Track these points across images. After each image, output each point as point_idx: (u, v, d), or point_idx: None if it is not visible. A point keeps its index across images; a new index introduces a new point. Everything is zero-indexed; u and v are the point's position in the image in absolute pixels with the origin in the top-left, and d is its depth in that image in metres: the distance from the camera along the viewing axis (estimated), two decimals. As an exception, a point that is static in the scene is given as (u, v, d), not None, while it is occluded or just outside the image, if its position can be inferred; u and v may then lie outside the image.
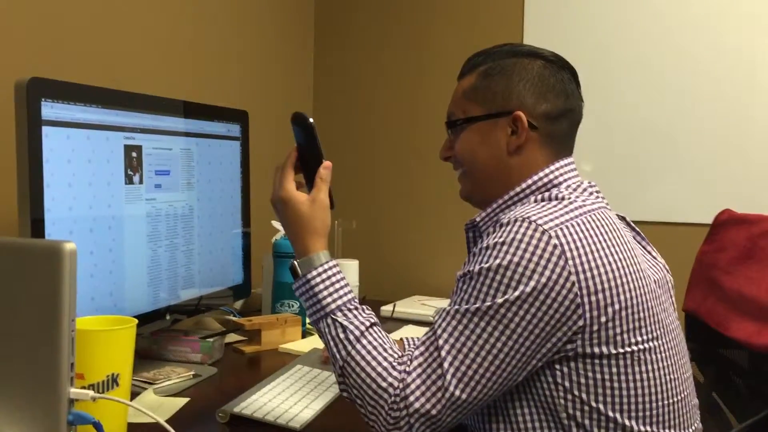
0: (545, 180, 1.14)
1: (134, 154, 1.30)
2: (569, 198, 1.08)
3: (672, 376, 1.07)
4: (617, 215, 1.15)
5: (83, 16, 1.59)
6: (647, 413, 1.04)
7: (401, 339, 1.45)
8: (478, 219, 1.17)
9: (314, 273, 1.09)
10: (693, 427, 1.11)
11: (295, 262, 1.12)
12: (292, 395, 1.28)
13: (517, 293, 0.99)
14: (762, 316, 1.18)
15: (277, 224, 1.86)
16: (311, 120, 1.15)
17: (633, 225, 1.19)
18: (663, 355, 1.06)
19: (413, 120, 2.33)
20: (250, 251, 1.74)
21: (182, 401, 1.28)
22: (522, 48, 1.20)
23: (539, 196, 1.11)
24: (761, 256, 1.24)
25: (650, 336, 1.04)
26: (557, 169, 1.15)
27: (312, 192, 1.14)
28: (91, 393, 0.96)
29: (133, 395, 1.29)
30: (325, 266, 1.10)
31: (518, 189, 1.14)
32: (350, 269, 2.06)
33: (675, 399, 1.07)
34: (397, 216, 2.45)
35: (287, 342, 1.68)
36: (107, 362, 1.03)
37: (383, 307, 2.08)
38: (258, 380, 1.36)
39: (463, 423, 1.09)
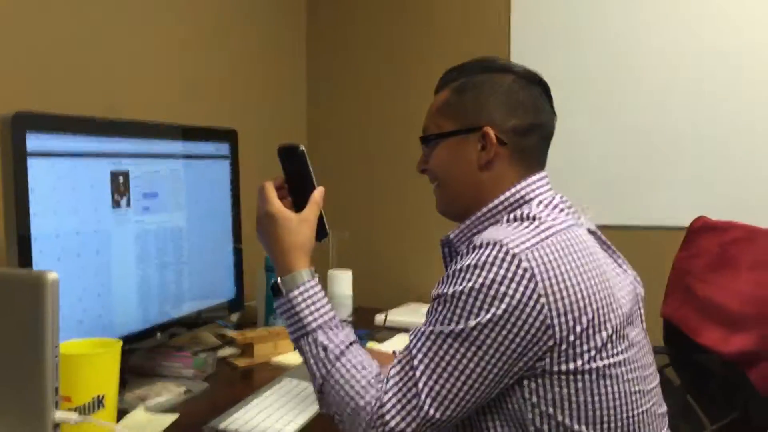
0: (517, 196, 1.16)
1: (121, 179, 1.34)
2: (539, 218, 1.10)
3: (637, 389, 1.10)
4: (588, 230, 1.18)
5: (75, 47, 1.63)
6: (612, 425, 1.07)
7: (393, 352, 1.48)
8: (452, 236, 1.20)
9: (296, 292, 1.12)
10: (660, 436, 1.14)
11: (278, 280, 1.15)
12: (277, 410, 1.31)
13: (489, 316, 1.01)
14: (729, 324, 1.21)
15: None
16: (302, 147, 1.18)
17: (604, 239, 1.22)
18: (628, 368, 1.08)
19: (406, 129, 2.36)
20: (242, 266, 1.77)
21: (171, 418, 1.32)
22: (494, 63, 1.22)
23: (511, 215, 1.14)
24: (730, 264, 1.27)
25: (615, 351, 1.07)
26: (528, 185, 1.17)
27: (303, 211, 1.18)
28: (74, 416, 1.00)
29: (125, 412, 1.33)
30: (307, 285, 1.13)
31: (491, 205, 1.17)
32: (343, 280, 2.09)
33: (640, 410, 1.10)
34: (390, 225, 2.47)
35: (279, 354, 1.72)
36: (92, 385, 1.07)
37: (377, 316, 2.11)
38: (248, 394, 1.40)
39: None
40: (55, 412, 0.97)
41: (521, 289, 1.01)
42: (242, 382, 1.57)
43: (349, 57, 2.51)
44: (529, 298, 1.01)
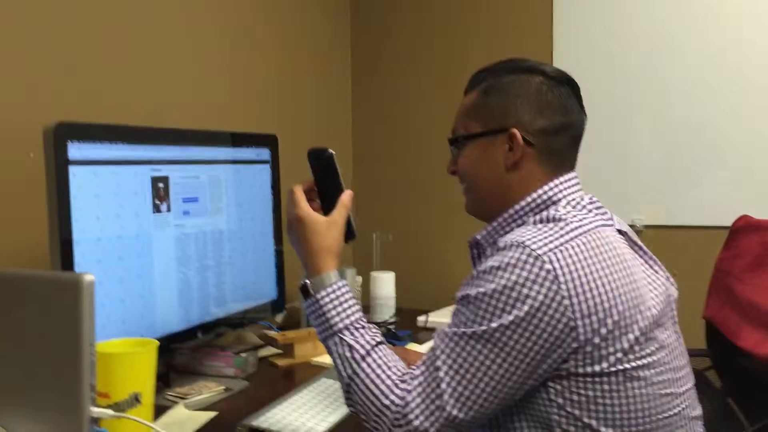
0: (544, 197, 1.16)
1: (161, 185, 1.39)
2: (565, 219, 1.10)
3: (666, 392, 1.08)
4: (618, 230, 1.17)
5: (119, 57, 1.70)
6: (640, 428, 1.06)
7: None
8: (479, 237, 1.21)
9: (323, 293, 1.15)
10: (691, 439, 1.12)
11: (306, 282, 1.18)
12: (311, 408, 1.34)
13: (511, 317, 1.02)
14: (759, 323, 1.17)
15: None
16: (330, 151, 1.21)
17: (635, 239, 1.20)
18: (657, 370, 1.07)
19: (448, 133, 2.37)
20: (283, 268, 1.81)
21: (210, 415, 1.36)
22: (523, 64, 1.22)
23: (537, 217, 1.14)
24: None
25: (643, 354, 1.06)
26: (556, 185, 1.17)
27: (331, 214, 1.20)
28: (109, 411, 1.05)
29: (165, 409, 1.38)
30: (335, 286, 1.16)
31: (517, 207, 1.17)
32: (387, 281, 2.12)
33: (669, 414, 1.08)
34: (432, 227, 2.49)
35: (319, 355, 1.75)
36: (129, 382, 1.11)
37: (419, 317, 2.13)
38: (286, 393, 1.44)
39: None
40: (91, 407, 1.02)
41: (544, 290, 1.01)
42: (281, 382, 1.61)
43: (394, 60, 2.53)
44: (552, 300, 1.01)
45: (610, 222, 1.17)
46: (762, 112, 2.02)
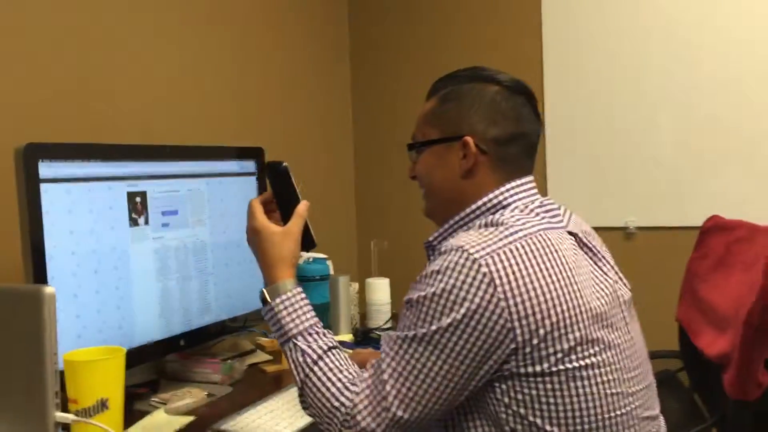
0: (494, 201, 1.19)
1: (138, 199, 1.45)
2: (506, 223, 1.13)
3: (614, 391, 1.10)
4: (569, 232, 1.19)
5: (111, 75, 1.77)
6: (584, 426, 1.08)
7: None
8: (431, 239, 1.24)
9: (278, 300, 1.20)
10: (643, 439, 1.13)
11: (264, 290, 1.22)
12: (283, 413, 1.39)
13: (449, 320, 1.05)
14: (717, 326, 1.18)
15: (300, 250, 1.97)
16: (285, 164, 1.26)
17: (586, 241, 1.22)
18: (602, 370, 1.09)
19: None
20: (272, 277, 1.85)
21: (187, 419, 1.41)
22: (481, 73, 1.25)
23: (482, 221, 1.17)
24: (730, 263, 1.24)
25: (586, 354, 1.08)
26: (507, 190, 1.20)
27: (287, 225, 1.25)
28: (72, 416, 1.11)
29: (145, 414, 1.44)
30: (289, 294, 1.20)
31: (468, 210, 1.20)
32: (382, 287, 2.15)
33: (618, 413, 1.10)
34: (427, 234, 2.51)
35: (307, 361, 1.79)
36: (96, 389, 1.17)
37: (414, 323, 2.15)
38: (264, 398, 1.48)
39: None
40: (55, 412, 1.08)
41: (480, 293, 1.04)
42: (265, 387, 1.65)
43: (394, 70, 2.57)
44: (489, 302, 1.04)
45: (559, 225, 1.19)
46: (761, 112, 2.01)
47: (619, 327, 1.15)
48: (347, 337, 1.94)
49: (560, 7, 2.26)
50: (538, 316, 1.05)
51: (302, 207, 1.26)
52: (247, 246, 1.27)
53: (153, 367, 1.68)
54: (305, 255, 1.95)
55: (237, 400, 1.54)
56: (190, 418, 1.42)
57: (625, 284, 1.23)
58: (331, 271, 2.12)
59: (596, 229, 2.19)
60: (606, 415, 1.09)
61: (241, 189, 1.76)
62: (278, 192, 1.27)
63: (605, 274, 1.19)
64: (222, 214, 1.69)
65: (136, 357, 1.45)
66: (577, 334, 1.07)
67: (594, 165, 2.22)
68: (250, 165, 1.79)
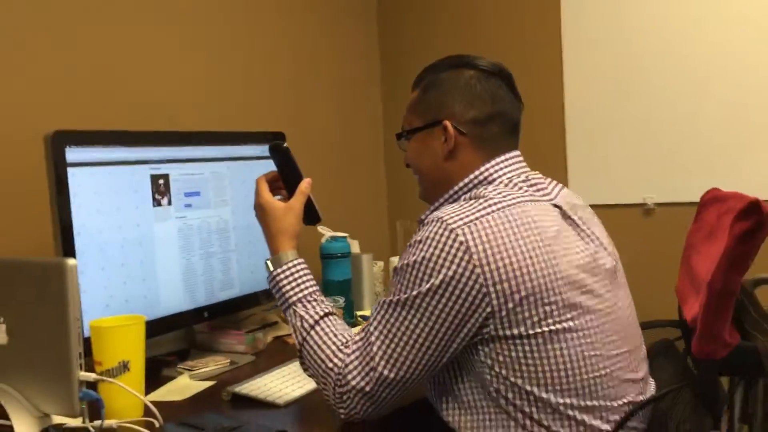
0: (480, 177, 1.27)
1: (161, 181, 1.57)
2: (486, 196, 1.20)
3: (593, 353, 1.16)
4: (553, 204, 1.25)
5: (138, 66, 1.90)
6: (563, 387, 1.14)
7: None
8: (423, 216, 1.32)
9: (279, 270, 1.30)
10: (623, 400, 1.19)
11: (267, 260, 1.33)
12: (293, 377, 1.49)
13: (428, 285, 1.13)
14: (698, 292, 1.22)
15: (323, 229, 2.07)
16: (285, 144, 1.36)
17: (570, 214, 1.27)
18: (581, 333, 1.15)
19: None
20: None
21: (207, 384, 1.53)
22: (459, 60, 1.33)
23: (467, 195, 1.24)
24: (718, 233, 1.27)
25: (563, 318, 1.14)
26: (492, 166, 1.27)
27: (290, 201, 1.35)
28: (93, 375, 1.23)
29: (170, 379, 1.57)
30: (290, 264, 1.30)
31: (456, 188, 1.28)
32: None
33: (596, 374, 1.16)
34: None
35: (327, 333, 1.89)
36: (118, 352, 1.29)
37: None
38: (281, 365, 1.59)
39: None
40: (79, 372, 1.20)
41: (457, 260, 1.12)
42: (286, 357, 1.75)
43: (423, 47, 2.63)
44: (465, 268, 1.12)
45: (544, 198, 1.25)
46: None
47: (600, 294, 1.20)
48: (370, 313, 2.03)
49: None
50: (513, 282, 1.12)
51: (304, 184, 1.35)
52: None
53: (184, 338, 1.82)
54: (327, 234, 2.04)
55: (257, 368, 1.65)
56: (210, 383, 1.55)
57: (609, 254, 1.28)
58: (357, 250, 2.22)
59: (615, 206, 2.26)
60: (585, 376, 1.15)
61: (263, 172, 1.86)
62: (282, 171, 1.36)
63: (587, 244, 1.25)
64: (245, 196, 1.80)
65: (161, 326, 1.58)
66: (553, 299, 1.14)
67: (612, 143, 2.25)
68: (271, 149, 1.89)
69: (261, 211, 1.35)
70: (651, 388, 1.30)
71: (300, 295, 1.28)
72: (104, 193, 1.45)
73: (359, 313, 2.08)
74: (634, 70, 2.21)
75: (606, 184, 2.25)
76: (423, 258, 1.14)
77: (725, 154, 2.08)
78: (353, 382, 1.18)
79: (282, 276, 1.29)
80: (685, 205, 2.12)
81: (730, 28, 2.07)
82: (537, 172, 1.33)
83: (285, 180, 1.37)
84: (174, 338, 1.77)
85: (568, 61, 2.30)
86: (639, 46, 2.19)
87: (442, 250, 1.13)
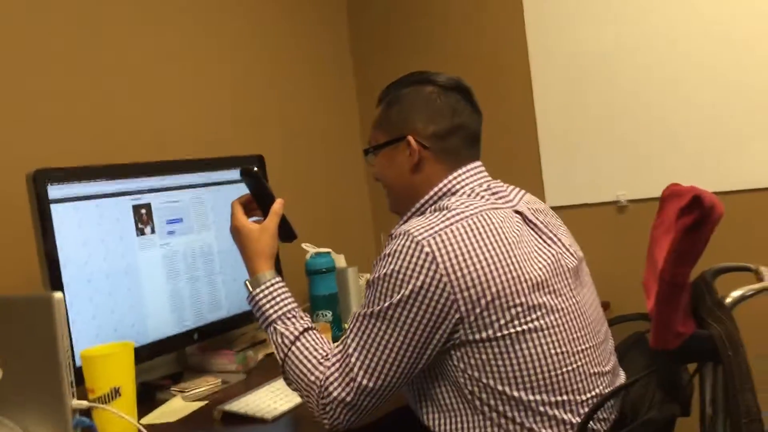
0: (444, 189, 1.33)
1: (143, 211, 1.63)
2: (449, 207, 1.26)
3: (559, 350, 1.22)
4: (515, 211, 1.31)
5: (128, 97, 1.96)
6: (534, 384, 1.20)
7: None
8: (392, 231, 1.38)
9: (258, 290, 1.35)
10: (592, 393, 1.24)
11: (246, 281, 1.38)
12: (281, 393, 1.54)
13: (398, 296, 1.19)
14: (655, 284, 1.27)
15: (307, 246, 2.13)
16: (255, 168, 1.42)
17: (532, 218, 1.33)
18: (547, 332, 1.21)
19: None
20: (281, 272, 2.01)
21: (199, 404, 1.59)
22: (418, 77, 1.40)
23: (432, 207, 1.30)
24: (674, 227, 1.33)
25: (528, 319, 1.20)
26: (455, 178, 1.33)
27: (264, 222, 1.41)
28: (85, 403, 1.28)
29: (164, 402, 1.62)
30: (268, 284, 1.36)
31: (422, 201, 1.34)
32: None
33: (564, 370, 1.22)
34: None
35: (316, 347, 1.94)
36: (108, 378, 1.34)
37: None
38: (270, 381, 1.64)
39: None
40: (72, 400, 1.26)
41: (424, 271, 1.18)
42: (277, 373, 1.81)
43: (397, 65, 2.69)
44: (432, 278, 1.17)
45: (506, 205, 1.31)
46: (753, 78, 2.07)
47: (563, 293, 1.26)
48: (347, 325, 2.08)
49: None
50: (479, 288, 1.18)
51: (277, 205, 1.41)
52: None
53: (177, 361, 1.87)
54: (311, 250, 2.10)
55: (248, 386, 1.70)
56: (202, 403, 1.60)
57: (572, 254, 1.34)
58: (344, 263, 2.27)
59: (589, 205, 2.32)
60: (552, 372, 1.21)
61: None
62: (255, 193, 1.42)
63: (549, 246, 1.30)
64: (227, 219, 1.85)
65: (151, 350, 1.63)
66: (518, 301, 1.19)
67: (583, 142, 2.31)
68: (250, 172, 1.95)
69: (237, 233, 1.40)
70: (621, 380, 1.36)
71: (279, 312, 1.34)
72: (88, 226, 1.51)
73: (347, 325, 2.13)
74: (601, 69, 2.27)
75: (579, 183, 2.32)
76: (392, 270, 1.20)
77: (694, 149, 2.14)
78: (335, 393, 1.23)
79: (261, 296, 1.35)
80: (656, 200, 2.18)
81: (697, 26, 2.12)
82: (498, 180, 1.39)
83: (259, 202, 1.43)
84: (167, 362, 1.83)
85: (535, 62, 2.37)
86: (606, 45, 2.25)
87: (410, 262, 1.19)
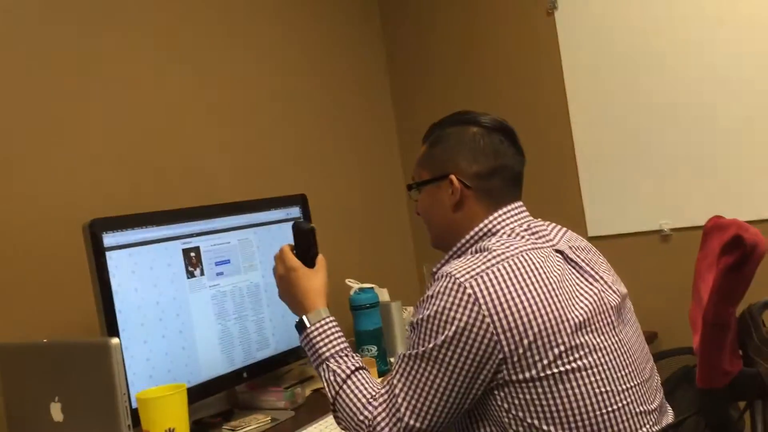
0: (484, 230, 1.35)
1: (193, 254, 1.69)
2: (490, 248, 1.28)
3: (604, 389, 1.22)
4: (555, 250, 1.32)
5: (179, 147, 2.04)
6: (578, 424, 1.21)
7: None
8: (434, 269, 1.40)
9: (314, 327, 1.39)
10: (640, 431, 1.24)
11: (304, 317, 1.42)
12: (331, 430, 1.57)
13: (442, 338, 1.21)
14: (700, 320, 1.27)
15: (350, 282, 2.16)
16: (312, 225, 1.49)
17: (573, 257, 1.34)
18: (590, 371, 1.22)
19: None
20: (326, 308, 2.05)
21: (251, 443, 1.62)
22: (464, 117, 1.43)
23: (473, 248, 1.33)
24: (715, 262, 1.33)
25: (572, 358, 1.21)
26: (495, 218, 1.36)
27: (315, 266, 1.46)
28: (143, 446, 1.33)
29: (217, 441, 1.66)
30: (323, 321, 1.40)
31: (463, 241, 1.37)
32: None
33: (609, 409, 1.22)
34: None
35: (362, 383, 1.96)
36: (164, 420, 1.38)
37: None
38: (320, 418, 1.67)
39: None
40: (129, 442, 1.30)
41: (467, 312, 1.20)
42: (326, 410, 1.83)
43: (436, 97, 2.73)
44: (475, 319, 1.19)
45: (546, 244, 1.33)
46: None
47: (606, 331, 1.27)
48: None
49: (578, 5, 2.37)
50: (521, 328, 1.19)
51: (322, 259, 1.46)
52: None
53: (226, 399, 1.91)
54: (354, 286, 2.13)
55: (297, 423, 1.73)
56: (253, 441, 1.63)
57: (615, 291, 1.35)
58: (387, 297, 2.30)
59: (632, 234, 2.30)
60: (598, 412, 1.21)
61: (288, 233, 1.96)
62: (302, 247, 1.47)
63: (591, 285, 1.31)
64: (272, 257, 1.90)
65: (203, 390, 1.67)
66: (560, 341, 1.20)
67: (624, 171, 2.31)
68: (294, 211, 2.00)
69: (293, 273, 1.44)
70: (669, 416, 1.35)
71: (333, 351, 1.37)
72: (141, 271, 1.57)
73: (392, 359, 2.15)
74: (641, 99, 2.27)
75: (621, 213, 2.31)
76: (435, 312, 1.23)
77: (738, 178, 2.13)
78: (383, 432, 1.25)
79: (316, 333, 1.38)
80: (700, 228, 2.17)
81: (740, 55, 2.12)
82: (539, 219, 1.41)
83: (302, 255, 1.47)
84: (217, 400, 1.87)
85: (572, 90, 2.38)
86: (646, 75, 2.26)
87: (452, 303, 1.21)
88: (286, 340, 1.92)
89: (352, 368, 1.35)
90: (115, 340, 1.30)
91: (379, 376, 2.03)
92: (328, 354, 1.37)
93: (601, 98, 2.34)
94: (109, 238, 1.50)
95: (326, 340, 1.38)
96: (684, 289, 1.90)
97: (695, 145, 2.19)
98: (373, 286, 2.15)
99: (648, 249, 2.28)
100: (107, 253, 1.49)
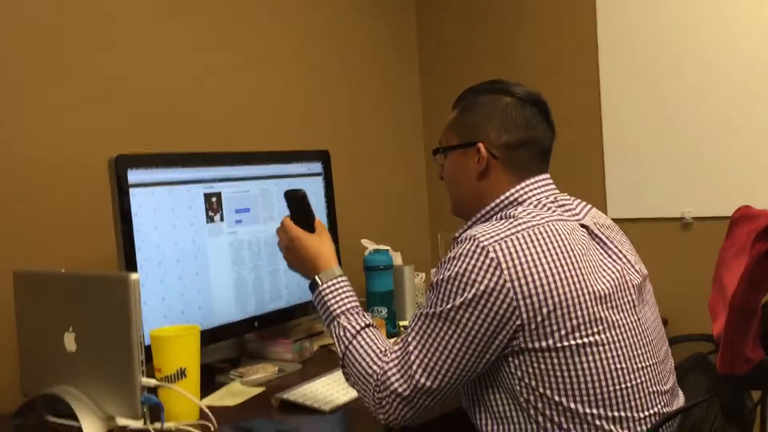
0: (511, 198, 1.34)
1: (214, 199, 1.68)
2: (518, 216, 1.27)
3: (620, 366, 1.22)
4: (580, 224, 1.31)
5: (202, 92, 2.03)
6: (591, 398, 1.21)
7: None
8: (456, 234, 1.40)
9: (324, 285, 1.39)
10: (651, 411, 1.24)
11: (316, 277, 1.41)
12: (338, 385, 1.57)
13: (461, 299, 1.21)
14: (725, 307, 1.26)
15: (366, 242, 2.16)
16: (303, 190, 1.48)
17: (597, 232, 1.33)
18: (608, 347, 1.21)
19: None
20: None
21: (258, 390, 1.63)
22: (497, 85, 1.41)
23: (499, 215, 1.31)
24: (746, 251, 1.32)
25: (590, 332, 1.20)
26: (521, 188, 1.34)
27: (317, 231, 1.47)
28: (154, 381, 1.34)
29: (224, 385, 1.67)
30: (336, 280, 1.39)
31: (488, 208, 1.36)
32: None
33: (624, 386, 1.22)
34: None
35: (370, 343, 1.97)
36: (176, 359, 1.39)
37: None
38: (327, 373, 1.68)
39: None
40: (141, 378, 1.31)
41: (488, 276, 1.19)
42: (331, 365, 1.84)
43: (462, 63, 2.70)
44: (496, 283, 1.19)
45: (572, 218, 1.32)
46: None
47: (626, 309, 1.26)
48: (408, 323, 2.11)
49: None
50: (541, 297, 1.19)
51: (321, 222, 1.48)
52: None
53: (235, 346, 1.92)
54: (370, 246, 2.13)
55: (303, 375, 1.74)
56: (260, 389, 1.64)
57: (637, 271, 1.34)
58: (400, 261, 2.30)
59: (653, 219, 2.28)
60: (612, 387, 1.21)
61: (309, 188, 1.95)
62: (299, 214, 1.46)
63: (614, 261, 1.31)
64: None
65: (215, 335, 1.68)
66: (580, 313, 1.20)
67: (649, 157, 2.29)
68: (316, 166, 1.99)
69: (299, 241, 1.43)
70: (680, 400, 1.35)
71: (345, 308, 1.37)
72: (162, 211, 1.57)
73: (401, 323, 2.15)
74: (671, 84, 2.24)
75: (644, 198, 2.29)
76: (457, 273, 1.22)
77: (764, 168, 2.10)
78: (392, 387, 1.25)
79: (328, 290, 1.38)
80: (723, 219, 2.13)
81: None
82: (566, 194, 1.39)
83: (301, 221, 1.46)
84: (226, 346, 1.88)
85: (605, 75, 2.35)
86: (677, 59, 2.22)
87: (474, 266, 1.21)
88: (298, 294, 1.92)
89: (363, 324, 1.35)
90: (134, 275, 1.30)
91: (388, 338, 2.03)
92: (339, 311, 1.37)
93: (635, 80, 2.31)
94: (133, 175, 1.50)
95: (338, 298, 1.38)
96: (699, 279, 1.89)
97: (725, 132, 2.16)
98: (388, 248, 2.14)
99: (667, 236, 2.26)
100: (131, 190, 1.49)
